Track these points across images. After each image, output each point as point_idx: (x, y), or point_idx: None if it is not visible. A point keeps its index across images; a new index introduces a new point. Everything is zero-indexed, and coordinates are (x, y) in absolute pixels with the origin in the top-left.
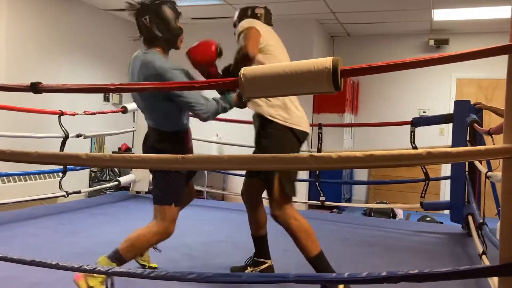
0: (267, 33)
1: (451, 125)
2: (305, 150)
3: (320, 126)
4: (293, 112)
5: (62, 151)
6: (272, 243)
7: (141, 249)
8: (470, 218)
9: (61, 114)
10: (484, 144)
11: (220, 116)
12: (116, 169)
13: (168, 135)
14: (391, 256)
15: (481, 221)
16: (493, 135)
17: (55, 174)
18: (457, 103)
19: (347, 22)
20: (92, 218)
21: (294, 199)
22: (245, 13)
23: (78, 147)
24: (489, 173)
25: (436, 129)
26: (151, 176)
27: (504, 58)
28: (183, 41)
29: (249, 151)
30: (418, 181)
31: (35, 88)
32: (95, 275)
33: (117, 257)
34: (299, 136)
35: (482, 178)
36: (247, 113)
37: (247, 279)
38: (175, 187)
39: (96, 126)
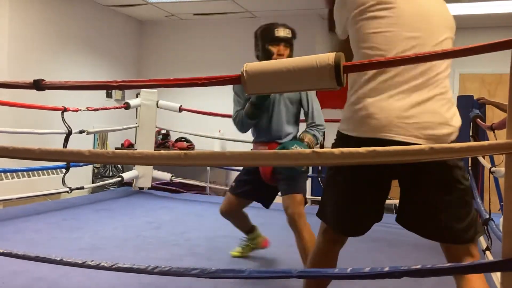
0: None
1: None
2: None
3: None
4: None
5: (65, 147)
6: (276, 238)
7: None
8: None
9: (64, 110)
10: (487, 139)
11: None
12: (119, 165)
13: None
14: (393, 251)
15: (487, 216)
16: (495, 130)
17: (58, 170)
18: (460, 98)
19: None
20: (95, 214)
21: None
22: None
23: (81, 143)
24: (493, 168)
25: None
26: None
27: (507, 53)
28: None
29: (251, 147)
30: None
31: (38, 85)
32: None
33: None
34: None
35: (486, 173)
36: None
37: (250, 274)
38: None
39: (99, 122)
